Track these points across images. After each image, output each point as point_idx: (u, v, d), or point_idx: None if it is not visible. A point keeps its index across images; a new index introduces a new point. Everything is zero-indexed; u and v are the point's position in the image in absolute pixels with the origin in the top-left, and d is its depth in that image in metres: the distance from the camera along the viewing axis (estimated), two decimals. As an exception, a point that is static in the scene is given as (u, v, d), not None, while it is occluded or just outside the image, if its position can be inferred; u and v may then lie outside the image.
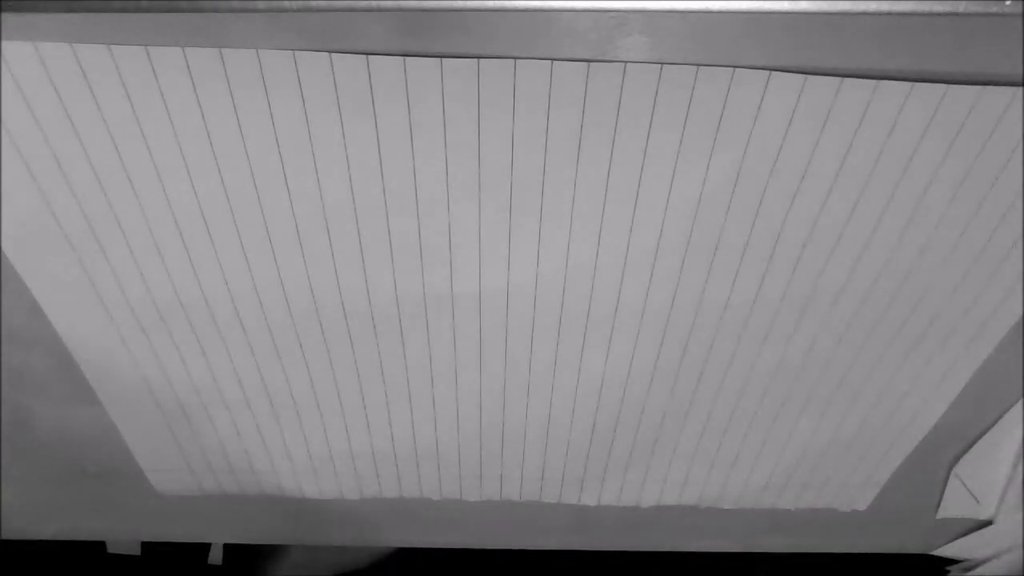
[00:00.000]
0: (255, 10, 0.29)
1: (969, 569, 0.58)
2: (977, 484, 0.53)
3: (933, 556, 0.59)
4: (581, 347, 0.43)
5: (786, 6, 0.28)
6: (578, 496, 0.54)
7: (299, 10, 0.29)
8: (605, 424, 0.48)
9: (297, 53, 0.30)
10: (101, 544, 0.61)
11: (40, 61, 0.30)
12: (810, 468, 0.51)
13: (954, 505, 0.54)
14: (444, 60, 0.30)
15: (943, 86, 0.31)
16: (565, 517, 0.56)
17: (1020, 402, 0.47)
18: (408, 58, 0.30)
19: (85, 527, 0.58)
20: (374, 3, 0.28)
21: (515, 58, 0.30)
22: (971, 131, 0.32)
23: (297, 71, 0.31)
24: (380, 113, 0.32)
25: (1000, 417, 0.48)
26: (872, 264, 0.38)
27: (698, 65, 0.30)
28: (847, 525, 0.57)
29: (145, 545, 0.62)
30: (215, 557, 0.65)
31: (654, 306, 0.40)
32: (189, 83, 0.31)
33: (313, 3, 0.28)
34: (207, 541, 0.62)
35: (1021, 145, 0.33)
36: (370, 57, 0.30)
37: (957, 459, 0.51)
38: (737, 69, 0.30)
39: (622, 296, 0.40)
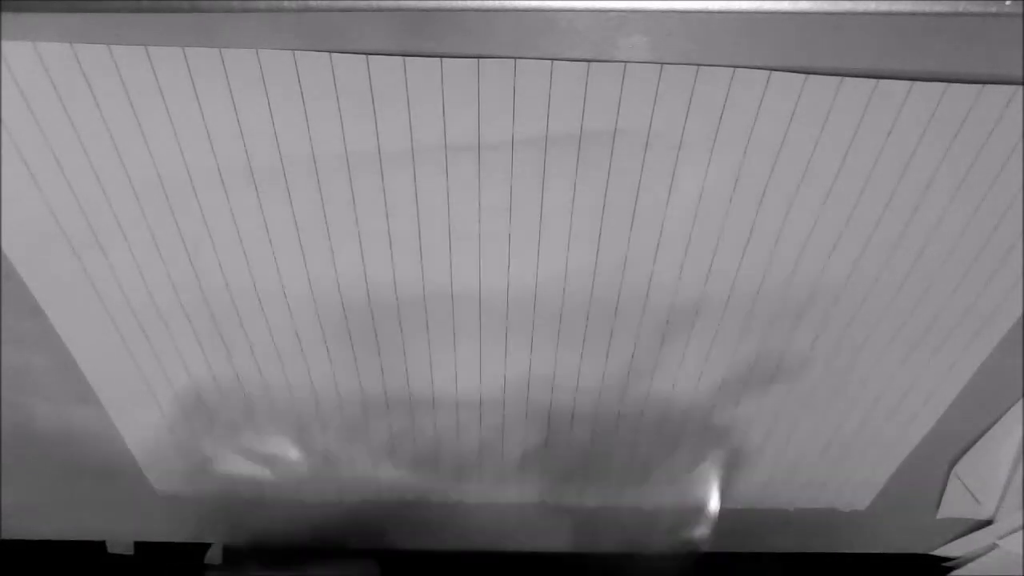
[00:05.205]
0: (255, 10, 0.29)
1: (965, 564, 0.58)
2: (977, 484, 0.53)
3: (933, 556, 0.59)
4: (581, 347, 0.43)
5: (786, 6, 0.28)
6: (578, 496, 0.54)
7: (299, 10, 0.29)
8: (605, 424, 0.48)
9: (297, 53, 0.30)
10: (101, 544, 0.61)
11: (40, 61, 0.30)
12: (810, 468, 0.51)
13: (954, 505, 0.54)
14: (444, 60, 0.30)
15: (943, 85, 0.31)
16: (565, 517, 0.56)
17: (1020, 402, 0.47)
18: (408, 58, 0.30)
19: (85, 527, 0.58)
20: (374, 3, 0.28)
21: (515, 58, 0.30)
22: (971, 130, 0.32)
23: (297, 71, 0.31)
24: (380, 113, 0.32)
25: (1000, 417, 0.48)
26: (872, 264, 0.38)
27: (698, 65, 0.30)
28: (847, 525, 0.57)
29: (143, 545, 0.62)
30: (214, 556, 0.65)
31: (654, 306, 0.40)
32: (189, 83, 0.31)
33: (313, 3, 0.28)
34: (206, 541, 0.62)
35: (1021, 144, 0.33)
36: (370, 57, 0.30)
37: (957, 459, 0.51)
38: (737, 69, 0.30)
39: (622, 296, 0.40)
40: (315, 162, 0.34)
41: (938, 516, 0.55)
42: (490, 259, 0.38)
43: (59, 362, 0.44)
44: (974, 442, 0.50)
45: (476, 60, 0.30)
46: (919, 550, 0.59)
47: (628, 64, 0.30)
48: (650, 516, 0.55)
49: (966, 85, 0.31)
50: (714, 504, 0.54)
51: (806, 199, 0.35)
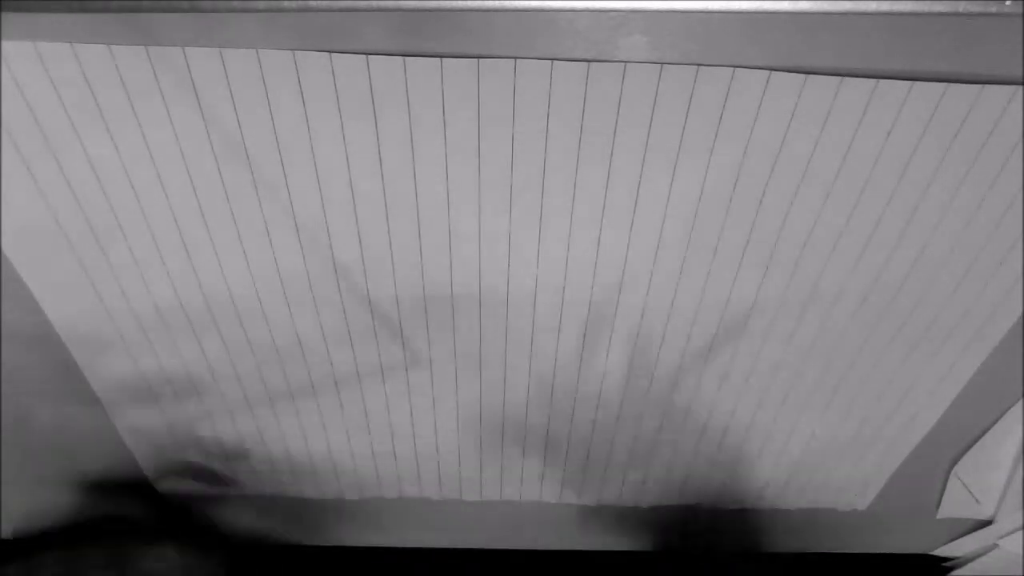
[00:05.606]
0: (255, 10, 0.29)
1: (966, 563, 0.58)
2: (977, 484, 0.53)
3: (933, 556, 0.59)
4: (581, 346, 0.43)
5: (786, 6, 0.28)
6: (578, 496, 0.54)
7: (299, 10, 0.29)
8: (605, 424, 0.48)
9: (297, 53, 0.30)
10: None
11: (40, 61, 0.30)
12: (810, 468, 0.51)
13: (954, 505, 0.54)
14: (444, 60, 0.30)
15: (943, 85, 0.31)
16: (565, 517, 0.56)
17: (1020, 402, 0.47)
18: (408, 58, 0.30)
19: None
20: (374, 3, 0.28)
21: (515, 58, 0.30)
22: (971, 130, 0.32)
23: (297, 71, 0.31)
24: (380, 113, 0.32)
25: (1000, 417, 0.48)
26: (872, 264, 0.38)
27: (698, 65, 0.30)
28: (847, 525, 0.57)
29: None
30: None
31: (654, 305, 0.40)
32: (189, 83, 0.31)
33: (313, 3, 0.28)
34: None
35: (1021, 144, 0.33)
36: (370, 57, 0.30)
37: (957, 459, 0.51)
38: (737, 69, 0.30)
39: (622, 296, 0.40)
40: (315, 162, 0.34)
41: (938, 516, 0.55)
42: (490, 259, 0.38)
43: (59, 362, 0.44)
44: (974, 442, 0.50)
45: (476, 60, 0.30)
46: (919, 550, 0.59)
47: (628, 64, 0.30)
48: (647, 515, 0.55)
49: (966, 85, 0.31)
50: (713, 503, 0.54)
51: (806, 199, 0.35)
